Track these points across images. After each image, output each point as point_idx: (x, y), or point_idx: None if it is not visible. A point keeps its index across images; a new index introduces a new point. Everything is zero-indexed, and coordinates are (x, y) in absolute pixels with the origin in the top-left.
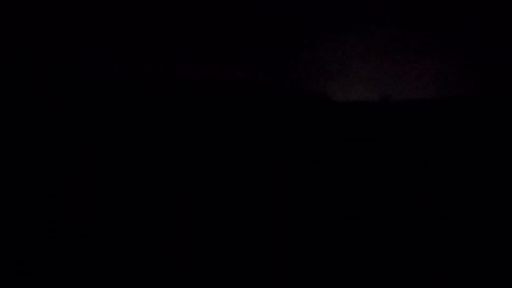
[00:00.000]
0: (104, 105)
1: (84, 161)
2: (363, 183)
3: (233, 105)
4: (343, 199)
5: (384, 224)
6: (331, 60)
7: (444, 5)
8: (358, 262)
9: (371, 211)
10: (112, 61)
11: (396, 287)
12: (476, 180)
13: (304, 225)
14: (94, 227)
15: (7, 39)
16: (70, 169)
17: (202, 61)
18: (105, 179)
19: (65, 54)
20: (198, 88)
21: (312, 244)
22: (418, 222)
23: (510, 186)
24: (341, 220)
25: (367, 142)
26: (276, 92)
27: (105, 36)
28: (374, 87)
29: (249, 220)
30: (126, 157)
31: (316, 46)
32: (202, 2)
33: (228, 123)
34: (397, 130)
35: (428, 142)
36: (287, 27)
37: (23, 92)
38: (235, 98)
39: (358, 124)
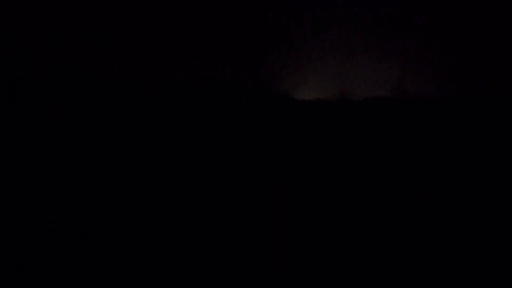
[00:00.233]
0: (104, 105)
1: (84, 161)
2: (349, 182)
3: (217, 104)
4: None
5: (378, 224)
6: (296, 60)
7: (444, 5)
8: (358, 262)
9: (356, 211)
10: (112, 61)
11: (396, 287)
12: (476, 180)
13: (296, 225)
14: (94, 227)
15: (7, 39)
16: (70, 168)
17: (202, 61)
18: (105, 179)
19: (65, 54)
20: (197, 88)
21: (312, 243)
22: (418, 222)
23: (510, 186)
24: (324, 220)
25: (351, 141)
26: (245, 90)
27: (105, 36)
28: (334, 85)
29: (249, 220)
30: (126, 156)
31: (283, 48)
32: (202, 2)
33: (221, 123)
34: (387, 129)
35: (417, 142)
36: (256, 30)
37: (23, 92)
38: (215, 96)
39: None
